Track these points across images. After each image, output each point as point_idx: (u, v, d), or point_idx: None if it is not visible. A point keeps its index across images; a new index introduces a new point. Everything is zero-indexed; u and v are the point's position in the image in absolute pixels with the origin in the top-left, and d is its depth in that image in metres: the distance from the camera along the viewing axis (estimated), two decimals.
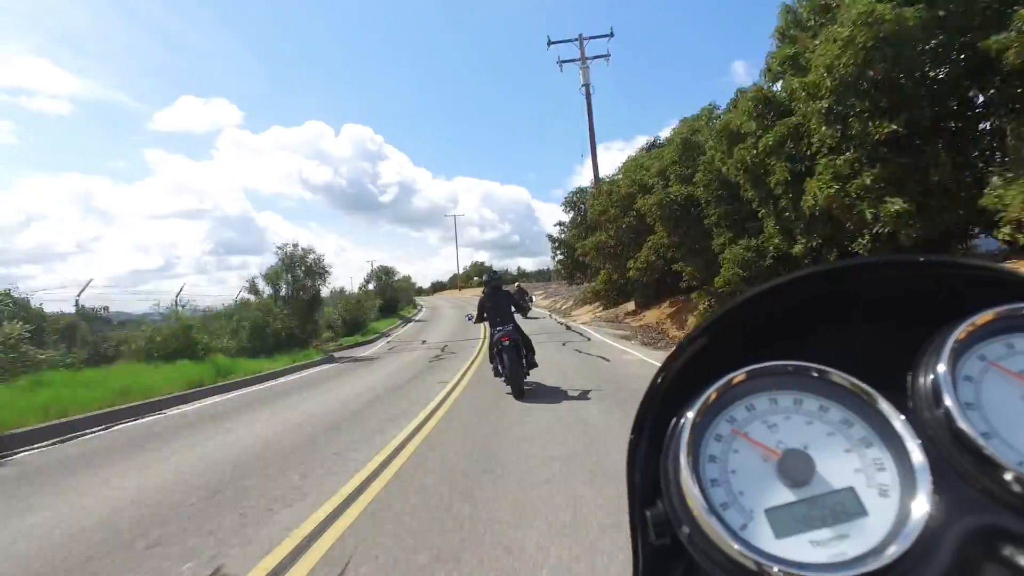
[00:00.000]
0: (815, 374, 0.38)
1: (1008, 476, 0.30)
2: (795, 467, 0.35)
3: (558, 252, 24.97)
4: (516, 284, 24.38)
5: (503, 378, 6.63)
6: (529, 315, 17.24)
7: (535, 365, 7.07)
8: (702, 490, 0.34)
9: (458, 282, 59.58)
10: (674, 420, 0.39)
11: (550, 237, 26.06)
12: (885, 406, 0.35)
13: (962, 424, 0.32)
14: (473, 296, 22.88)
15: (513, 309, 6.90)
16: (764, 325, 0.43)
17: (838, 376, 0.37)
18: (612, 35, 22.83)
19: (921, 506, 0.31)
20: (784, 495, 0.34)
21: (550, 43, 22.92)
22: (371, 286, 31.56)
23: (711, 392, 0.38)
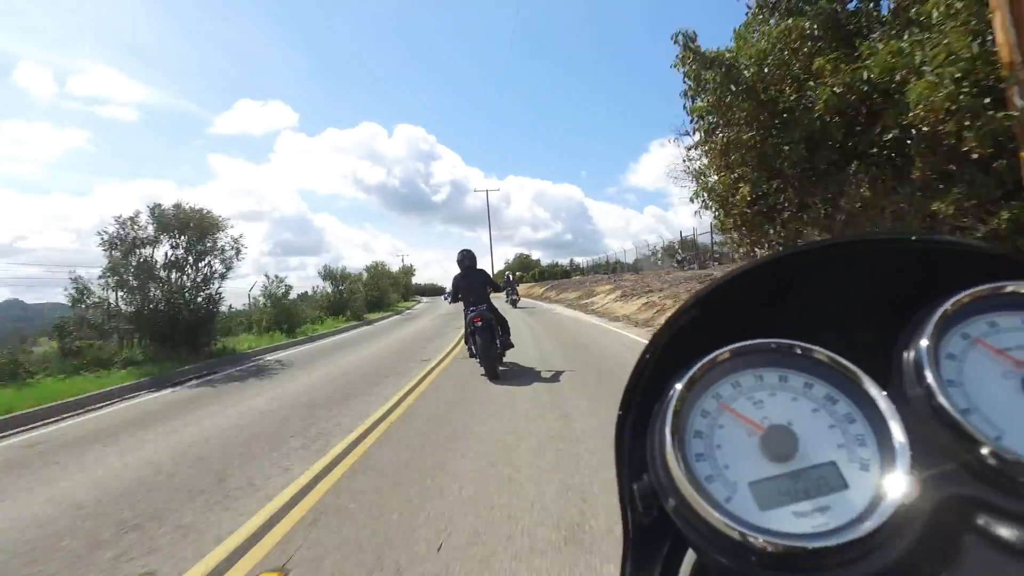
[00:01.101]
0: (799, 351, 0.39)
1: (985, 450, 0.31)
2: (779, 442, 0.35)
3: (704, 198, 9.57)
4: (507, 274, 24.87)
5: (478, 359, 6.48)
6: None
7: (511, 346, 6.91)
8: (687, 464, 0.35)
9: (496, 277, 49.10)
10: (661, 395, 0.39)
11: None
12: (867, 383, 0.36)
13: (942, 400, 0.33)
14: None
15: (489, 289, 6.71)
16: (753, 301, 0.44)
17: (821, 353, 0.38)
18: None
19: (899, 480, 0.32)
20: (768, 469, 0.35)
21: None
22: (324, 285, 23.32)
23: (697, 368, 0.39)
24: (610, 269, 35.21)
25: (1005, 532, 0.28)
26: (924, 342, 0.36)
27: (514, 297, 22.99)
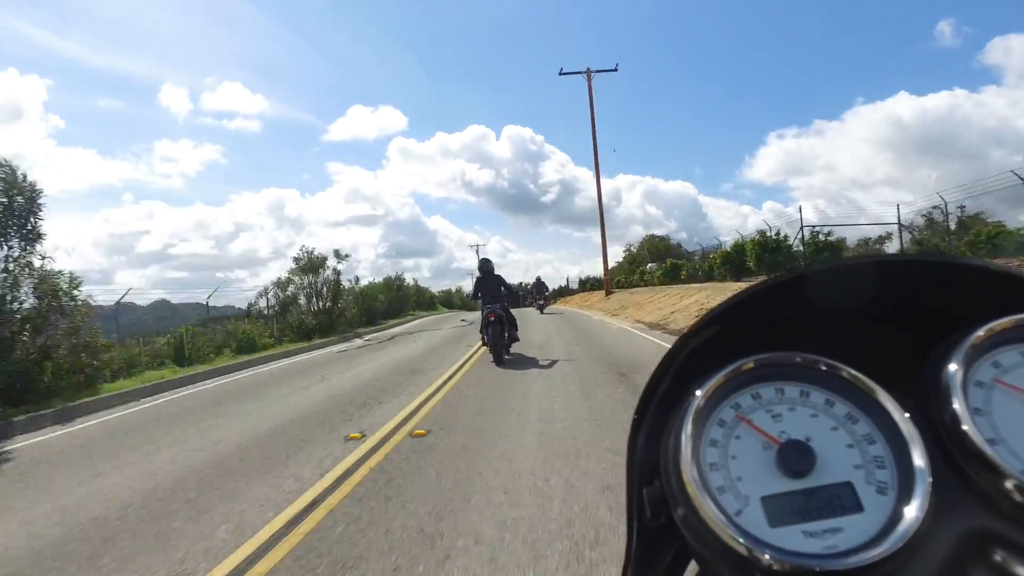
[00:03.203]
0: (823, 368, 0.37)
1: (1009, 484, 0.30)
2: (795, 458, 0.34)
3: None
4: (537, 276, 25.27)
5: (488, 347, 7.71)
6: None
7: (516, 340, 8.22)
8: (700, 473, 0.34)
9: (606, 280, 26.00)
10: (679, 402, 0.39)
11: None
12: (891, 405, 0.35)
13: (967, 428, 0.32)
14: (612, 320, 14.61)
15: (504, 291, 8.09)
16: (779, 315, 0.43)
17: (846, 371, 0.37)
18: None
19: (917, 506, 0.31)
20: (782, 484, 0.34)
21: None
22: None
23: (719, 377, 0.38)
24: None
25: (1023, 573, 0.27)
26: (953, 367, 0.34)
27: (540, 303, 22.21)
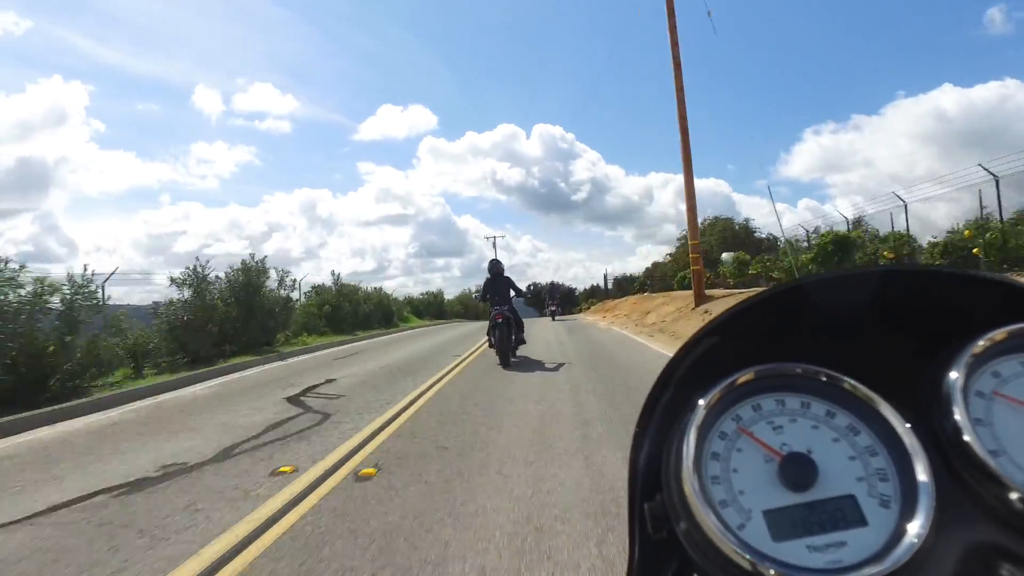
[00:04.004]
0: (824, 379, 0.37)
1: (1013, 495, 0.30)
2: (797, 470, 0.34)
3: None
4: (552, 281, 23.48)
5: (495, 349, 7.70)
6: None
7: (523, 342, 8.26)
8: (702, 486, 0.34)
9: (697, 276, 12.65)
10: (680, 414, 0.39)
11: None
12: (892, 416, 0.35)
13: (969, 439, 0.32)
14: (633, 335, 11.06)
15: (513, 294, 8.16)
16: (780, 324, 0.42)
17: (847, 382, 0.37)
18: None
19: (921, 520, 0.30)
20: (784, 497, 0.34)
21: None
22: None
23: (718, 389, 0.38)
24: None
25: None
26: (953, 377, 0.34)
27: (552, 309, 21.15)
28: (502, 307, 7.80)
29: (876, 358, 0.39)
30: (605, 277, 40.78)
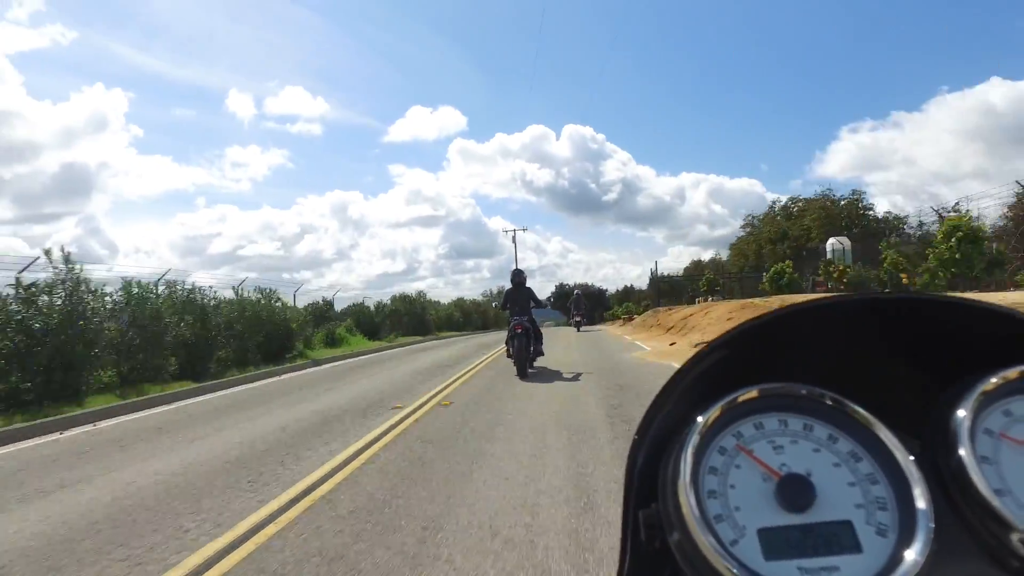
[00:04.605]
0: (829, 402, 0.37)
1: (1015, 537, 0.30)
2: (795, 492, 0.34)
3: None
4: (576, 292, 23.05)
5: (513, 359, 7.85)
6: None
7: (541, 354, 8.42)
8: (698, 499, 0.33)
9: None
10: (680, 427, 0.39)
11: None
12: (895, 446, 0.35)
13: (973, 476, 0.32)
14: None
15: (532, 304, 8.36)
16: (789, 344, 0.43)
17: (851, 408, 0.37)
18: None
19: (917, 552, 0.30)
20: (780, 517, 0.34)
21: None
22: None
23: (721, 404, 0.38)
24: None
25: None
26: (962, 413, 0.34)
27: (577, 319, 20.30)
28: (521, 318, 7.79)
29: (885, 385, 0.40)
30: (653, 273, 35.98)
